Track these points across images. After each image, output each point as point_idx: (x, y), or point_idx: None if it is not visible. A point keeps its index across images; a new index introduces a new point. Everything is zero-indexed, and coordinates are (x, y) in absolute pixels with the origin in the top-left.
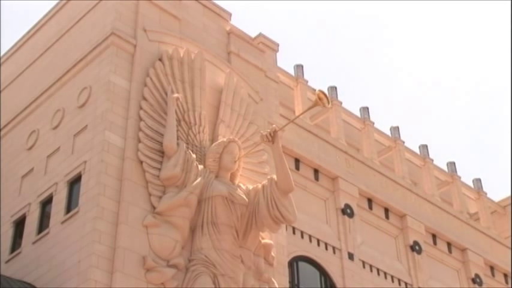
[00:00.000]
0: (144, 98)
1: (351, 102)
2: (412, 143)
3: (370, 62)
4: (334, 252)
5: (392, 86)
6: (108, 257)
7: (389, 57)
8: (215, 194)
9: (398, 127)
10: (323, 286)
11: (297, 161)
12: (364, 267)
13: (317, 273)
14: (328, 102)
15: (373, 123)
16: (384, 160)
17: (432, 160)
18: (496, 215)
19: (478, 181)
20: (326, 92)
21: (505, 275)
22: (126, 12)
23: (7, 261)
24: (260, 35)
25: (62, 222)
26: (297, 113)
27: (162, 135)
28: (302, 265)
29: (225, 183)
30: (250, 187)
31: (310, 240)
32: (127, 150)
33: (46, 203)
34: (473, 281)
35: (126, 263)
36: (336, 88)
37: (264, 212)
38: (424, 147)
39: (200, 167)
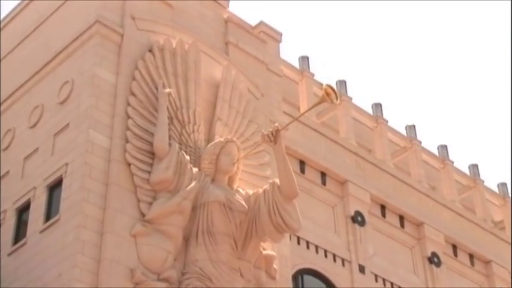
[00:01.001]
0: (133, 94)
1: (362, 98)
2: (430, 143)
3: (383, 53)
4: (343, 265)
5: (408, 80)
6: (93, 270)
7: (404, 48)
8: (211, 199)
9: (414, 126)
10: None
11: (302, 163)
12: (376, 281)
13: (324, 287)
14: (337, 98)
15: (387, 122)
16: (398, 162)
17: (452, 162)
18: None
19: (503, 186)
20: (334, 86)
21: None
22: None
23: None
24: (261, 23)
25: (41, 232)
26: (302, 110)
27: (152, 134)
28: (308, 279)
29: (222, 187)
30: (250, 192)
31: (317, 251)
32: (113, 151)
33: (23, 210)
34: None
35: (113, 277)
36: (345, 82)
37: (266, 219)
38: (443, 148)
39: (195, 169)
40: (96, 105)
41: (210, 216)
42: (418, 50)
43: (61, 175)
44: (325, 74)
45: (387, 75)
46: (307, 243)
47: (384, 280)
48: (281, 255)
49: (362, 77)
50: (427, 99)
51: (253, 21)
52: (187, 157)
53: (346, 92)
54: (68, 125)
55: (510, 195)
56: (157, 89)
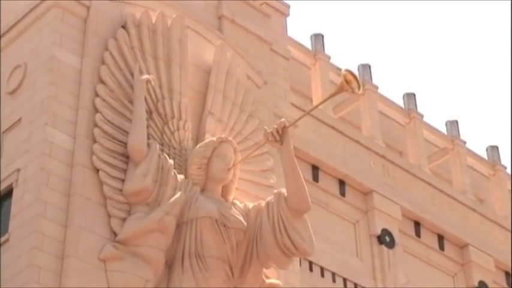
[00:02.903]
0: (102, 81)
1: (391, 87)
2: (477, 144)
3: (416, 32)
4: None
5: (448, 67)
6: None
7: (441, 29)
8: (201, 215)
9: (457, 121)
10: None
11: (315, 169)
12: None
13: None
14: (359, 87)
15: (422, 116)
16: (437, 168)
17: (505, 168)
18: None
19: None
20: (356, 72)
21: None
22: None
23: None
24: None
25: None
26: (314, 102)
27: (126, 132)
28: None
29: (214, 199)
30: (250, 205)
31: (334, 280)
32: (77, 153)
33: None
34: None
35: None
36: (369, 67)
37: (269, 240)
38: (493, 150)
39: (180, 177)
40: (55, 95)
41: (199, 236)
42: (459, 30)
43: (11, 184)
44: (344, 56)
45: (422, 57)
46: (322, 269)
47: None
48: (289, 284)
49: (390, 60)
50: (471, 90)
51: None
52: (171, 161)
53: (371, 79)
54: (19, 120)
55: None
56: (132, 75)
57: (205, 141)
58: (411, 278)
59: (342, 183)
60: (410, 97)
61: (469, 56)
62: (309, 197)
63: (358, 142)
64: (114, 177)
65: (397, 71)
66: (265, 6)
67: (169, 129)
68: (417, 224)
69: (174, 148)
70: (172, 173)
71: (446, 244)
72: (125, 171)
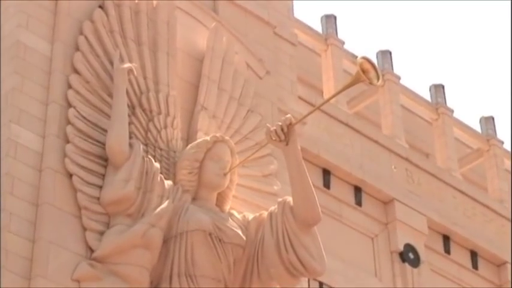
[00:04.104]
0: (76, 70)
1: (416, 77)
2: None
3: (445, 13)
4: None
5: (482, 55)
6: None
7: (473, 11)
8: (192, 227)
9: (493, 118)
10: None
11: (326, 173)
12: None
13: None
14: (378, 78)
15: (452, 112)
16: (469, 172)
17: None
18: None
19: None
20: (374, 60)
21: None
22: None
23: None
24: None
25: None
26: (325, 95)
27: (104, 130)
28: None
29: (208, 209)
30: (250, 216)
31: None
32: (47, 155)
33: None
34: None
35: None
36: (390, 54)
37: (273, 257)
38: None
39: (168, 183)
40: (20, 87)
41: (190, 252)
42: (494, 13)
43: None
44: (360, 41)
45: (451, 42)
46: None
47: None
48: None
49: (415, 45)
50: (509, 83)
51: None
52: (157, 164)
53: (392, 68)
54: None
55: None
56: (112, 63)
57: (198, 141)
58: None
59: (358, 190)
60: (438, 89)
61: (507, 43)
62: (319, 207)
63: (377, 142)
64: (90, 184)
65: (422, 58)
66: None
67: (155, 127)
68: (446, 239)
69: (161, 149)
70: (159, 178)
71: (480, 262)
72: (103, 176)
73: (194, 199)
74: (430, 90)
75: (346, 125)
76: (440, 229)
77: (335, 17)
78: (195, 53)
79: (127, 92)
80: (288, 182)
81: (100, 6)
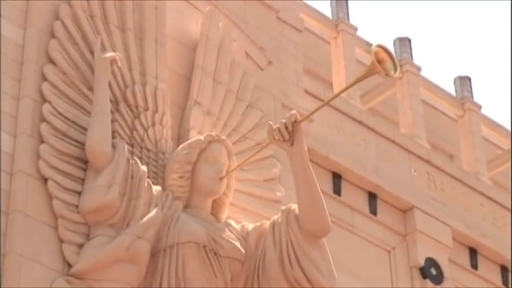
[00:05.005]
0: (51, 60)
1: (438, 68)
2: None
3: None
4: None
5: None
6: None
7: None
8: (184, 239)
9: None
10: None
11: (336, 178)
12: None
13: None
14: (396, 69)
15: (480, 108)
16: (499, 176)
17: None
18: None
19: None
20: (391, 49)
21: None
22: None
23: None
24: None
25: None
26: (335, 89)
27: (83, 129)
28: None
29: (202, 219)
30: (250, 227)
31: None
32: (18, 157)
33: None
34: None
35: None
36: (409, 41)
37: (276, 272)
38: None
39: (156, 188)
40: None
41: (181, 267)
42: None
43: None
44: (375, 27)
45: (478, 30)
46: None
47: None
48: None
49: (437, 32)
50: None
51: None
52: (144, 167)
53: (412, 58)
54: None
55: None
56: (92, 52)
57: (190, 140)
58: None
59: (372, 197)
60: (464, 82)
61: None
62: (328, 216)
63: (394, 142)
64: (68, 189)
65: (446, 46)
66: None
67: (142, 124)
68: (473, 252)
69: (148, 150)
70: (146, 183)
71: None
72: (82, 180)
73: (186, 207)
74: (454, 82)
75: (360, 122)
76: (467, 241)
77: (346, 0)
78: (187, 40)
79: (110, 85)
80: (292, 187)
81: None
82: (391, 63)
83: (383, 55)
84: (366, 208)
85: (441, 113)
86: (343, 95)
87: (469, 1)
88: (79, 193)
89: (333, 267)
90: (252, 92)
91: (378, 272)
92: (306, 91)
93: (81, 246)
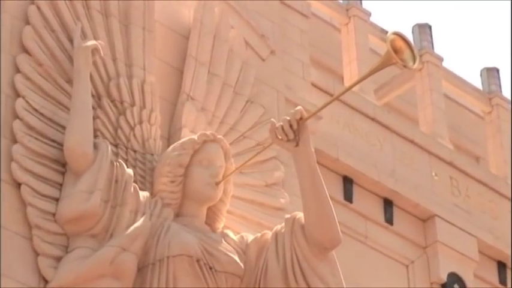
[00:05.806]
0: (26, 50)
1: (462, 59)
2: None
3: None
4: None
5: None
6: None
7: None
8: (175, 252)
9: None
10: None
11: (347, 183)
12: None
13: None
14: (414, 59)
15: (510, 103)
16: None
17: None
18: None
19: None
20: (410, 37)
21: None
22: None
23: None
24: None
25: None
26: (346, 82)
27: (61, 127)
28: None
29: (196, 229)
30: (250, 237)
31: None
32: None
33: None
34: None
35: None
36: (429, 28)
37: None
38: None
39: (144, 194)
40: None
41: (172, 283)
42: None
43: None
44: (390, 12)
45: (506, 17)
46: None
47: None
48: None
49: (460, 19)
50: None
51: None
52: (130, 171)
53: (432, 48)
54: None
55: None
56: (71, 40)
57: (182, 140)
58: None
59: (388, 204)
60: (491, 74)
61: None
62: (338, 226)
63: (412, 142)
64: (44, 196)
65: (471, 34)
66: None
67: (128, 122)
68: (502, 266)
69: (135, 151)
70: (132, 188)
71: None
72: (60, 185)
73: (177, 215)
74: (481, 75)
75: (374, 119)
76: (494, 254)
77: None
78: (178, 27)
79: (91, 78)
80: (298, 193)
81: None
82: (409, 52)
83: (400, 44)
84: (380, 217)
85: (466, 109)
86: (355, 88)
87: None
88: (56, 200)
89: (343, 283)
90: (252, 86)
91: (395, 287)
92: (313, 84)
93: (59, 259)
